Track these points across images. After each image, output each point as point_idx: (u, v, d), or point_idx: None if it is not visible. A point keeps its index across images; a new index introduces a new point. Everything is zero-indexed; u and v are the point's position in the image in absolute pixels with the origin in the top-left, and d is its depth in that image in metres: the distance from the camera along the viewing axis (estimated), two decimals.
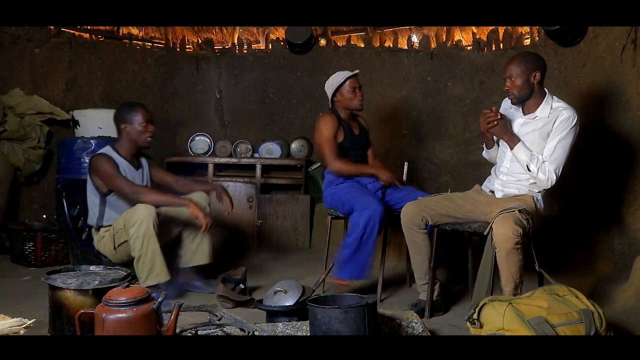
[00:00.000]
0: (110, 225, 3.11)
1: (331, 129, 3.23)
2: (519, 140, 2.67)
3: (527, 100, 2.70)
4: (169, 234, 3.23)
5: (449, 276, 3.56)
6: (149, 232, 2.88)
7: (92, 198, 3.17)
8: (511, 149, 2.69)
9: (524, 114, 2.74)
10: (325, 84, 3.37)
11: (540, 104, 2.68)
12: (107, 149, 3.17)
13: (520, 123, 2.74)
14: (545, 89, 2.71)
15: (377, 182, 3.28)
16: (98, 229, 3.17)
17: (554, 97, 2.71)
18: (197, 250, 3.27)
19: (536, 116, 2.69)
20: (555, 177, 2.63)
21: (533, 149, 2.66)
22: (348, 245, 3.00)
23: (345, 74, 3.31)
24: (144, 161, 3.32)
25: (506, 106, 2.86)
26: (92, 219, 3.19)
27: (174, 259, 3.21)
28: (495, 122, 2.66)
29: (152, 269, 2.92)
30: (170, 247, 3.22)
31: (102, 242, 3.12)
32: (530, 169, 2.64)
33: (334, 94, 3.30)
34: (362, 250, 2.98)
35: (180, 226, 3.26)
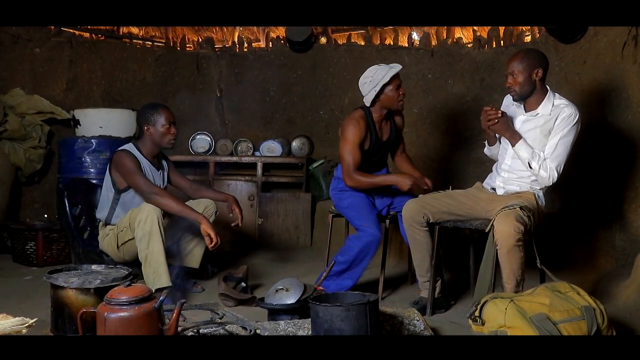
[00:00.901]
0: (115, 225, 3.10)
1: (358, 139, 2.91)
2: (520, 137, 2.67)
3: (529, 97, 2.69)
4: (174, 235, 3.21)
5: (451, 273, 3.56)
6: (155, 229, 2.83)
7: (107, 193, 3.14)
8: (512, 146, 2.68)
9: (526, 111, 2.73)
10: (362, 80, 2.96)
11: (542, 101, 2.67)
12: (129, 146, 3.13)
13: (521, 120, 2.73)
14: (547, 86, 2.71)
15: (386, 198, 3.13)
16: (105, 225, 3.15)
17: (556, 94, 2.71)
18: (190, 252, 3.27)
19: (538, 113, 2.68)
20: (556, 175, 2.62)
21: (534, 147, 2.65)
22: (339, 263, 2.92)
23: (388, 70, 2.90)
24: (164, 163, 3.31)
25: (507, 103, 2.85)
26: (101, 214, 3.17)
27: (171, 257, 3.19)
28: (496, 120, 2.66)
29: (156, 272, 2.86)
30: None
31: (106, 240, 3.11)
32: (532, 167, 2.63)
33: (377, 94, 2.92)
34: (350, 274, 2.93)
35: (183, 228, 3.24)
